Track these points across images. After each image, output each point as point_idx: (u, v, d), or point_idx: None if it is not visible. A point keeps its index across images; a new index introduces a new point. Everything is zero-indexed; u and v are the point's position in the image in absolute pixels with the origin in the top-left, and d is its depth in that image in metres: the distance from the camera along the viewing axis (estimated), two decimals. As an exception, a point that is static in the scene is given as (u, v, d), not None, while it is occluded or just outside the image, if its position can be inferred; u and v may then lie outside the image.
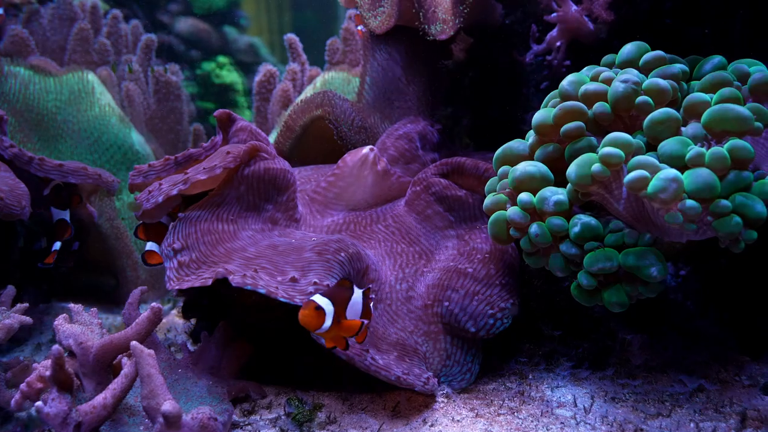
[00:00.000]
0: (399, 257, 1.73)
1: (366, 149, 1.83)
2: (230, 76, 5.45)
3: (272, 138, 2.64)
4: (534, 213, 1.47)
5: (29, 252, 2.21)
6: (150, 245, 1.81)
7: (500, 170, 1.59)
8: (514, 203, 1.50)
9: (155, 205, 1.60)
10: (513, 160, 1.56)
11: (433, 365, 1.59)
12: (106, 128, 2.72)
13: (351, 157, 1.84)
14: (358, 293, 1.30)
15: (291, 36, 3.12)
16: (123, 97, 2.96)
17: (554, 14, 2.04)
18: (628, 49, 1.59)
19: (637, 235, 1.40)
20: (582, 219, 1.42)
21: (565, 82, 1.54)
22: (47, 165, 2.06)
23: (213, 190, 1.64)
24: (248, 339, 1.66)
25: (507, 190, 1.54)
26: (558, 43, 2.08)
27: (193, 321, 2.02)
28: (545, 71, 2.16)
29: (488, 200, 1.58)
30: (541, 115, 1.53)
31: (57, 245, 2.14)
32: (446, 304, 1.60)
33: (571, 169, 1.39)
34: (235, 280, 1.39)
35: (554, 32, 2.07)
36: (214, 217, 1.59)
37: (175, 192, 1.58)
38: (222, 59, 5.50)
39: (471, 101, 2.51)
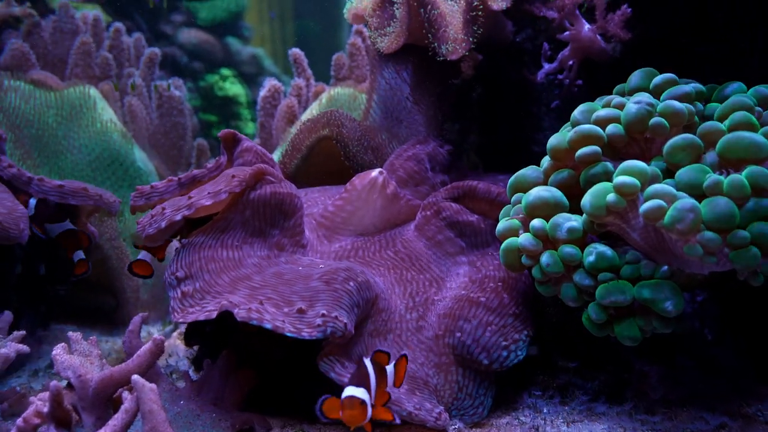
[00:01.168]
0: (409, 285, 1.68)
1: (375, 172, 1.79)
2: (233, 88, 5.42)
3: (276, 155, 2.60)
4: (546, 240, 1.42)
5: (28, 276, 2.16)
6: (143, 254, 1.76)
7: (513, 198, 1.54)
8: (527, 229, 1.45)
9: (158, 230, 1.55)
10: (526, 188, 1.52)
11: (444, 398, 1.53)
12: (107, 144, 2.67)
13: (359, 181, 1.79)
14: (368, 363, 1.31)
15: (296, 51, 3.07)
16: (125, 112, 2.92)
17: (567, 33, 2.00)
18: (636, 76, 1.56)
19: (654, 267, 1.35)
20: (597, 248, 1.38)
21: (577, 112, 1.51)
22: (47, 185, 2.01)
23: (217, 215, 1.60)
24: (252, 367, 1.61)
25: (520, 215, 1.50)
26: (570, 62, 2.04)
27: (195, 347, 1.97)
28: (556, 90, 2.12)
29: (501, 225, 1.53)
30: (556, 140, 1.50)
31: (80, 254, 2.09)
32: (458, 334, 1.55)
33: (586, 200, 1.35)
34: (240, 314, 1.35)
35: (566, 51, 2.03)
36: (219, 244, 1.55)
37: (178, 217, 1.53)
38: (225, 71, 5.47)
39: (479, 118, 2.47)
